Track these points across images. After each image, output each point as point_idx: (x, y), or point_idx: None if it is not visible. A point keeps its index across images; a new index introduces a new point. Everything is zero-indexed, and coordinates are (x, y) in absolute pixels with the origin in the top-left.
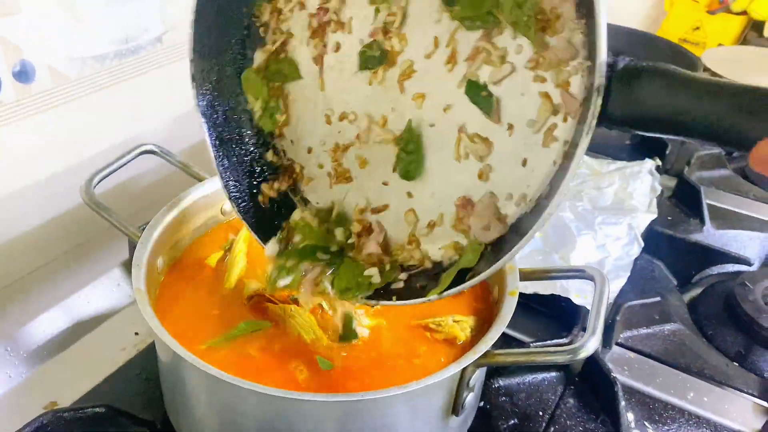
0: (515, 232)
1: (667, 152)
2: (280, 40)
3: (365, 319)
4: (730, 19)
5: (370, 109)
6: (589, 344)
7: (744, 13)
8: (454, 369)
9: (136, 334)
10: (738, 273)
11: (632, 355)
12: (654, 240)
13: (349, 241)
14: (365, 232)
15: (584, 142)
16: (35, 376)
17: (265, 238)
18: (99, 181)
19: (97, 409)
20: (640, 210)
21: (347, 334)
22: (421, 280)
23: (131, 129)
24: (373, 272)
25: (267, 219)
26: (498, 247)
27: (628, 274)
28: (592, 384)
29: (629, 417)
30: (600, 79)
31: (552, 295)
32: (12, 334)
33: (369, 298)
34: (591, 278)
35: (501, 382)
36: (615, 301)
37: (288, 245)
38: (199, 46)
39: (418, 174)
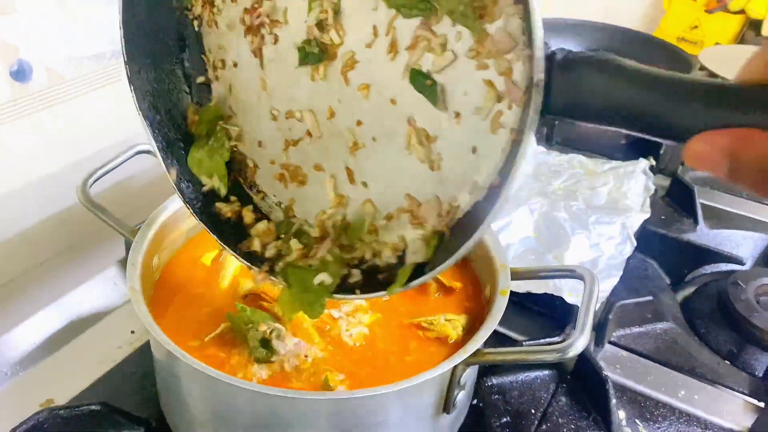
0: (470, 221)
1: (662, 152)
2: (217, 57)
3: (365, 317)
4: (727, 18)
5: (317, 102)
6: (578, 343)
7: (742, 12)
8: (445, 367)
9: (132, 332)
10: (731, 272)
11: (624, 353)
12: (647, 239)
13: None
14: (321, 239)
15: (530, 134)
16: (31, 374)
17: (225, 239)
18: (94, 182)
19: (93, 407)
20: (633, 209)
21: None
22: (385, 272)
23: (128, 128)
24: (323, 277)
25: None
26: (455, 238)
27: (621, 273)
28: (584, 382)
29: (621, 415)
30: (539, 74)
31: (545, 293)
32: (8, 332)
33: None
34: (581, 277)
35: (494, 380)
36: (608, 299)
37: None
38: (132, 47)
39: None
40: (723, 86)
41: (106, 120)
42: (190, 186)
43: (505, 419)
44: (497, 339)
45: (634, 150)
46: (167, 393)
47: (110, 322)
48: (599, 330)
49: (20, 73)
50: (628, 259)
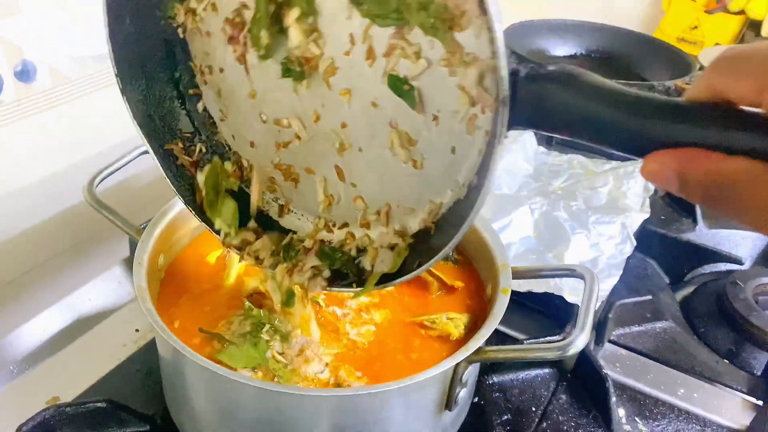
0: (454, 218)
1: None
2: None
3: (376, 315)
4: (727, 18)
5: (302, 105)
6: (578, 341)
7: (741, 12)
8: (447, 365)
9: (137, 330)
10: (730, 272)
11: (624, 352)
12: (647, 239)
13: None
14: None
15: (501, 138)
16: (38, 372)
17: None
18: (101, 181)
19: (99, 404)
20: (633, 209)
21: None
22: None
23: (132, 128)
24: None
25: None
26: (440, 234)
27: (621, 272)
28: (584, 380)
29: (620, 413)
30: (504, 91)
31: (546, 293)
32: (14, 330)
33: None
34: (581, 276)
35: (495, 378)
36: (608, 299)
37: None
38: (122, 59)
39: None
40: (673, 104)
41: (110, 120)
42: (190, 190)
43: (505, 417)
44: (498, 337)
45: None
46: (172, 390)
47: (115, 321)
48: (599, 329)
49: (24, 74)
50: (628, 258)
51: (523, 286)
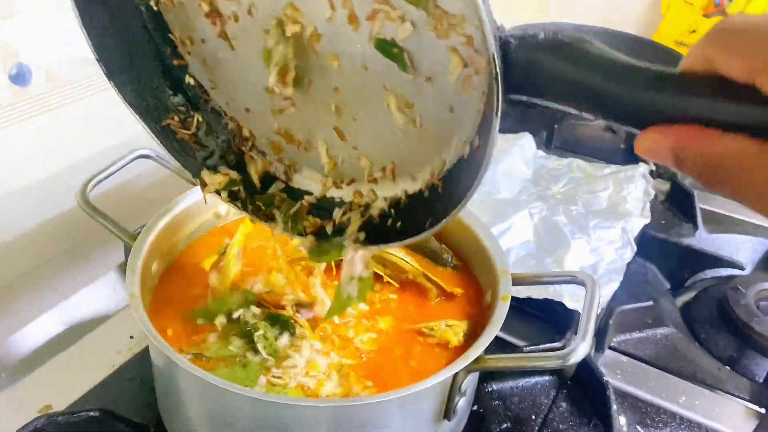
0: (461, 176)
1: None
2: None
3: (378, 322)
4: None
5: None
6: (579, 349)
7: None
8: (446, 374)
9: (131, 337)
10: (731, 277)
11: (625, 359)
12: (647, 244)
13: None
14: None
15: (499, 103)
16: (30, 380)
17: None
18: (94, 186)
19: (92, 413)
20: (633, 214)
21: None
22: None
23: (128, 131)
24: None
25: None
26: (448, 191)
27: (621, 278)
28: (584, 388)
29: (621, 421)
30: (491, 50)
31: (545, 299)
32: (7, 337)
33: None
34: (582, 283)
35: (494, 386)
36: (608, 305)
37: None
38: (101, 44)
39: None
40: (667, 75)
41: (106, 123)
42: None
43: (505, 425)
44: (498, 344)
45: (634, 154)
46: (166, 399)
47: (109, 327)
48: (600, 335)
49: (20, 77)
50: (629, 263)
51: (523, 292)
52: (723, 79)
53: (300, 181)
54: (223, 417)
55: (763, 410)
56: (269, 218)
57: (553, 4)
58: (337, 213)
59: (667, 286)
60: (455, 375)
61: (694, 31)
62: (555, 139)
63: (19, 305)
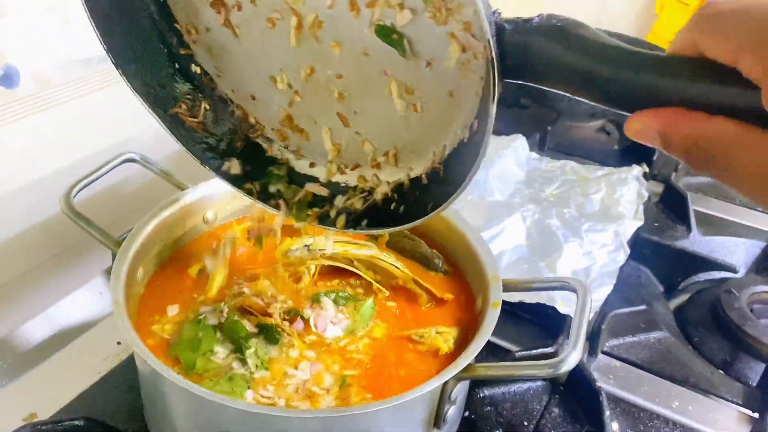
0: (462, 159)
1: (654, 158)
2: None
3: (373, 330)
4: None
5: (294, 59)
6: (571, 358)
7: None
8: (435, 383)
9: (118, 343)
10: (724, 280)
11: (618, 363)
12: (641, 247)
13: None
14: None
15: (497, 84)
16: (15, 387)
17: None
18: (78, 191)
19: (76, 422)
20: (626, 217)
21: None
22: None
23: (118, 133)
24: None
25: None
26: (449, 174)
27: (614, 281)
28: (577, 393)
29: (614, 426)
30: (487, 35)
31: (538, 303)
32: None
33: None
34: (574, 289)
35: (486, 392)
36: (601, 309)
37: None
38: (107, 31)
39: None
40: (656, 59)
41: (96, 125)
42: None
43: (497, 431)
44: (489, 349)
45: (627, 156)
46: (153, 408)
47: (96, 333)
48: (592, 340)
49: (7, 79)
50: (622, 267)
51: (515, 296)
52: (708, 63)
53: (304, 166)
54: (209, 427)
55: (756, 415)
56: (276, 206)
57: (548, 3)
58: (340, 199)
59: (661, 289)
60: (445, 384)
61: None
62: (548, 141)
63: (5, 311)
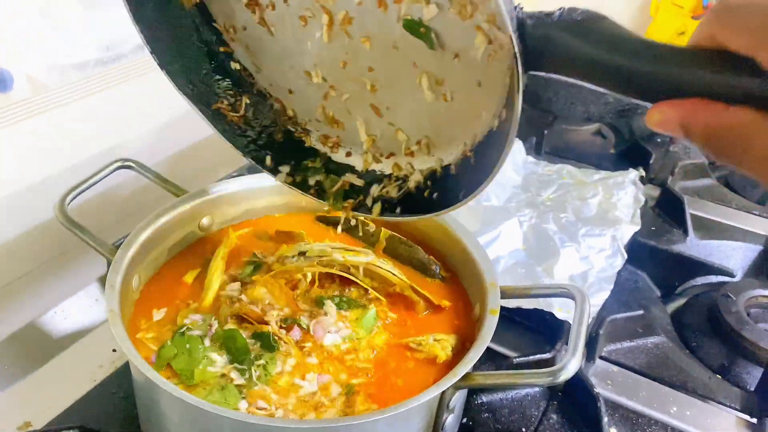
0: (491, 146)
1: (651, 162)
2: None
3: (379, 337)
4: None
5: (327, 54)
6: (570, 366)
7: None
8: (433, 392)
9: (114, 350)
10: (721, 283)
11: (616, 368)
12: (638, 251)
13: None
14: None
15: (522, 75)
16: (10, 395)
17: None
18: (73, 199)
19: (72, 430)
20: (624, 221)
21: None
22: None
23: (113, 138)
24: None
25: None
26: (480, 160)
27: (612, 286)
28: (575, 400)
29: None
30: (515, 47)
31: (535, 309)
32: None
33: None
34: (572, 297)
35: (483, 398)
36: (599, 314)
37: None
38: (151, 35)
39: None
40: (676, 50)
41: (91, 129)
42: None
43: None
44: (486, 355)
45: (624, 159)
46: (147, 416)
47: (91, 340)
48: (590, 345)
49: (1, 83)
50: (619, 271)
51: (513, 301)
52: (726, 54)
53: (342, 156)
54: None
55: (754, 420)
56: (315, 195)
57: (545, 5)
58: (375, 188)
59: (658, 293)
60: (443, 393)
61: (683, 33)
62: (545, 145)
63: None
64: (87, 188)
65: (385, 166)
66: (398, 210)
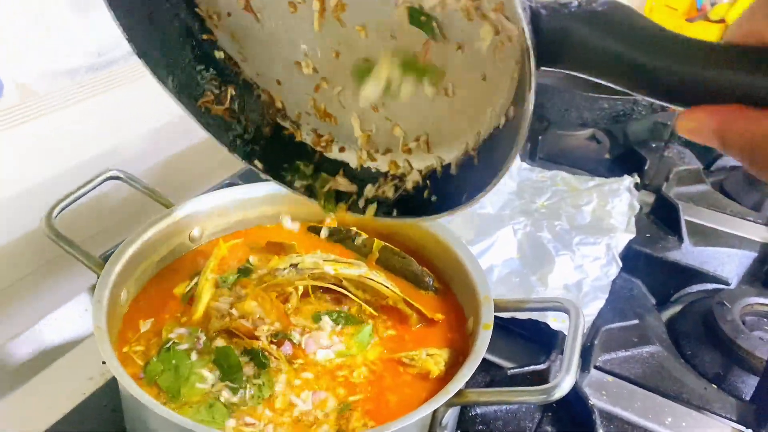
0: (497, 144)
1: (646, 167)
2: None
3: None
4: (708, 26)
5: (319, 44)
6: (564, 383)
7: (722, 21)
8: (425, 411)
9: (104, 363)
10: (716, 290)
11: (610, 378)
12: (632, 259)
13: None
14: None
15: (534, 70)
16: None
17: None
18: (60, 211)
19: None
20: (618, 229)
21: None
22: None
23: (104, 144)
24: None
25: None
26: (484, 160)
27: (607, 295)
28: (569, 411)
29: None
30: (527, 41)
31: (529, 319)
32: None
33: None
34: (566, 310)
35: (478, 411)
36: (593, 323)
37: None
38: (128, 24)
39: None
40: (713, 47)
41: (82, 136)
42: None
43: None
44: (480, 365)
45: (618, 166)
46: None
47: (81, 352)
48: (585, 355)
49: None
50: (614, 280)
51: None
52: None
53: (335, 151)
54: None
55: (749, 431)
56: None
57: None
58: (370, 189)
59: (653, 301)
60: (435, 411)
61: None
62: (539, 151)
63: None
64: (75, 200)
65: (380, 163)
66: (394, 212)
